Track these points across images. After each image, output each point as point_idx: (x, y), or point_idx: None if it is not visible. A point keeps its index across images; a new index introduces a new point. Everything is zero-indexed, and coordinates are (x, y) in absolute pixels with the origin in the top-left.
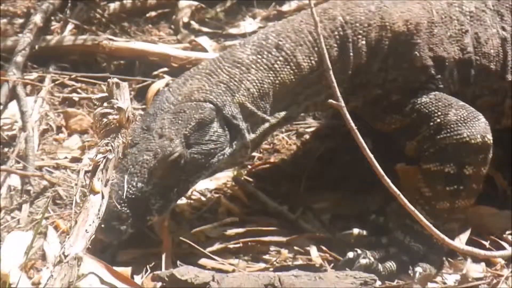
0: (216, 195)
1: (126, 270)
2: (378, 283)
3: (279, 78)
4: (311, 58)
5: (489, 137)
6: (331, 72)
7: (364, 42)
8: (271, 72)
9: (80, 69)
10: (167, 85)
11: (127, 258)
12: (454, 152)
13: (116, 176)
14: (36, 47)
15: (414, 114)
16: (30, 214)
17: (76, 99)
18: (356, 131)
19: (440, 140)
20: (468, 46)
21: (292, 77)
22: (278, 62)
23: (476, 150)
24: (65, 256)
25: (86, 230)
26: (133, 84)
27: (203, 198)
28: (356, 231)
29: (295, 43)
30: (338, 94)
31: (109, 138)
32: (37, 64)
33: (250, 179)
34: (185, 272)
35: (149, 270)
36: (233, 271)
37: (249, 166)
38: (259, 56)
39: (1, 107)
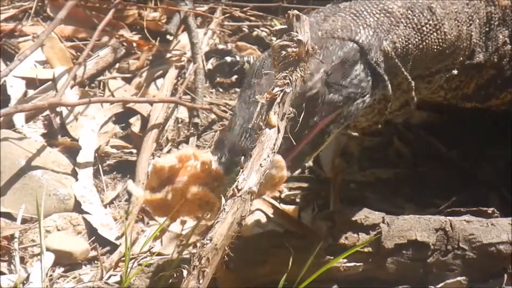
0: (387, 136)
1: (294, 209)
2: None
3: (424, 43)
4: (459, 31)
5: None
6: None
7: (477, 21)
8: (418, 34)
9: (252, 1)
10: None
11: (295, 197)
12: None
13: None
14: None
15: None
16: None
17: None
18: None
19: None
20: None
21: (435, 47)
22: (428, 26)
23: None
24: (239, 190)
25: (260, 164)
26: None
27: (373, 139)
28: None
29: (446, 11)
30: None
31: (287, 71)
32: None
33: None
34: (354, 212)
35: (316, 209)
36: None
37: None
38: (410, 13)
39: (172, 37)
